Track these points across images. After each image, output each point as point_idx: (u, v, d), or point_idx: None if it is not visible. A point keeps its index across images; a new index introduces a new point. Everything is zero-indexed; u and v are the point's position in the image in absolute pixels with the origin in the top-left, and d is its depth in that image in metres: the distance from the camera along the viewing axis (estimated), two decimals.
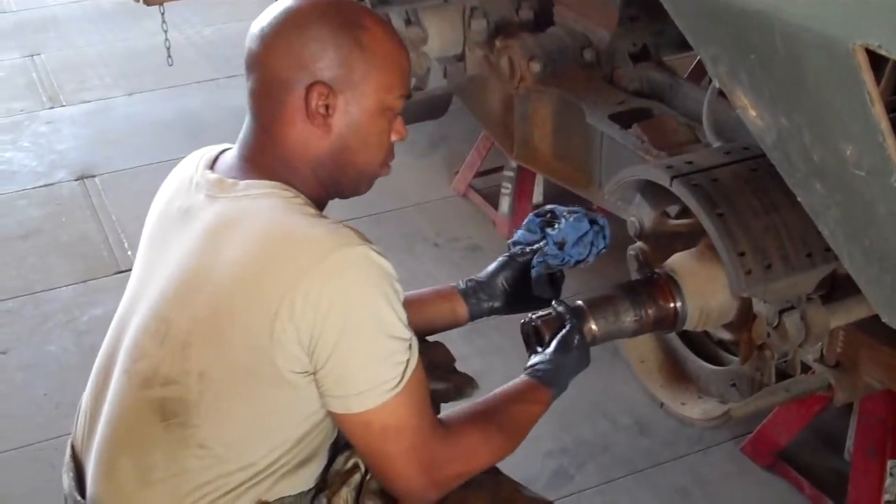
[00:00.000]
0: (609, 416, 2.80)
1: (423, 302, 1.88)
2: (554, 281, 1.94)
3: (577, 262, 1.91)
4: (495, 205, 3.65)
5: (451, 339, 2.77)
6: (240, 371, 1.46)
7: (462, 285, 1.94)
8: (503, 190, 3.59)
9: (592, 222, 1.91)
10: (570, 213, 1.93)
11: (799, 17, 1.06)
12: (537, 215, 1.96)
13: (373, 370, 1.45)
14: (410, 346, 1.48)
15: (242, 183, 1.53)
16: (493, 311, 1.94)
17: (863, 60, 1.01)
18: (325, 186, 1.58)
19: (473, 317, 1.94)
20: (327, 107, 1.52)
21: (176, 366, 1.48)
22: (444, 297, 1.93)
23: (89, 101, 4.74)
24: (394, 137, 1.61)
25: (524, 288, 1.93)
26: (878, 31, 1.01)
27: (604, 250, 1.93)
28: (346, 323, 1.42)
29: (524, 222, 1.98)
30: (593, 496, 2.56)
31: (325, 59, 1.51)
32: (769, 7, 1.10)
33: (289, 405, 1.49)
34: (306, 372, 1.45)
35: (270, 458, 1.51)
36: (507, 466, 1.69)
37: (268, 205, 1.50)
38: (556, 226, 1.92)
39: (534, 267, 1.92)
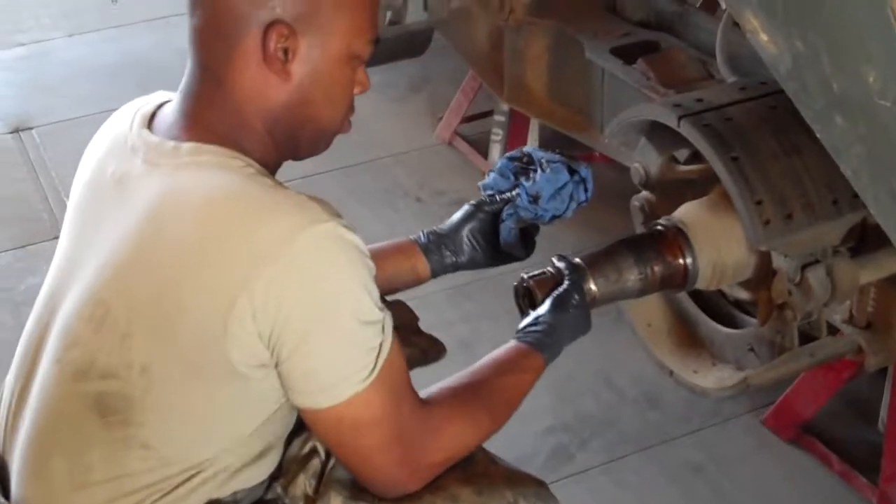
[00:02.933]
0: (615, 388, 2.82)
1: (380, 258, 1.82)
2: (526, 236, 1.93)
3: (554, 217, 1.90)
4: (484, 153, 3.65)
5: (434, 302, 2.78)
6: (188, 366, 1.44)
7: (422, 238, 1.94)
8: (493, 137, 3.59)
9: (573, 172, 1.89)
10: (547, 161, 1.90)
11: None
12: (511, 159, 1.95)
13: (344, 361, 1.44)
14: (384, 326, 1.47)
15: (185, 146, 1.49)
16: (458, 267, 1.95)
17: None
18: (279, 146, 1.54)
19: (436, 274, 1.94)
20: (287, 51, 1.48)
21: (115, 357, 1.46)
22: (404, 252, 1.93)
23: (24, 44, 4.71)
24: (356, 90, 1.58)
25: (493, 242, 1.92)
26: None
27: (584, 204, 1.91)
28: (314, 313, 1.41)
29: (496, 165, 1.96)
30: (598, 476, 2.58)
31: None
32: None
33: (243, 400, 1.48)
34: (264, 366, 1.44)
35: (222, 454, 1.51)
36: (500, 445, 1.68)
37: (216, 175, 1.47)
38: (532, 174, 1.90)
39: (504, 220, 1.90)
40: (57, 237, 1.66)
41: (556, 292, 1.77)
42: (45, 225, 3.48)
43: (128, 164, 1.54)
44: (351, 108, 1.59)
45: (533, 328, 1.72)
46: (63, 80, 4.41)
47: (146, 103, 1.61)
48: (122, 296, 1.47)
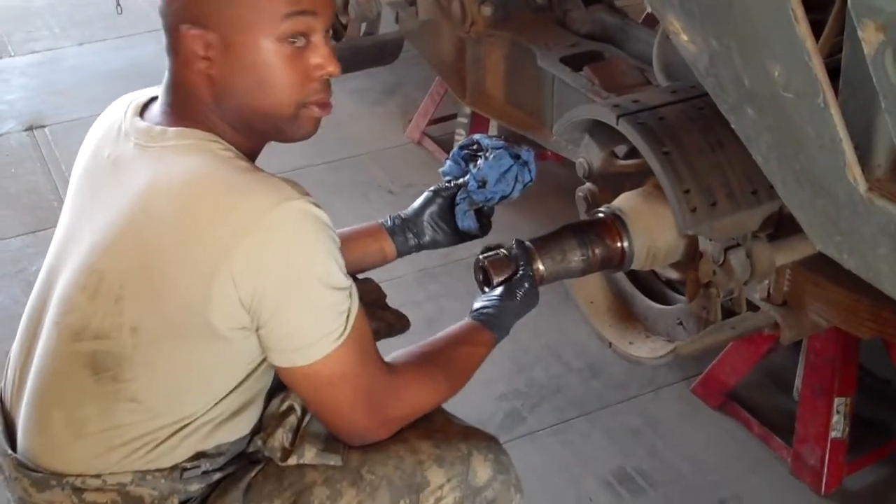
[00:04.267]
0: (562, 359, 2.82)
1: (351, 240, 1.85)
2: (481, 216, 1.92)
3: (503, 198, 1.88)
4: (449, 151, 3.63)
5: (404, 283, 2.78)
6: (172, 327, 1.43)
7: (388, 222, 1.93)
8: (456, 136, 3.59)
9: (516, 157, 1.87)
10: (492, 148, 1.89)
11: None
12: (462, 147, 1.94)
13: (317, 323, 1.44)
14: (351, 293, 1.47)
15: (171, 131, 1.49)
16: (420, 247, 1.95)
17: None
18: (242, 133, 1.51)
19: (401, 254, 1.94)
20: (208, 47, 1.44)
21: (108, 319, 1.46)
22: (372, 235, 1.92)
23: (38, 52, 4.68)
24: (317, 71, 1.47)
25: (451, 223, 1.92)
26: None
27: (530, 184, 1.90)
28: (288, 279, 1.40)
29: (451, 153, 1.96)
30: (547, 437, 2.58)
31: None
32: None
33: (224, 359, 1.48)
34: (245, 328, 1.43)
35: (205, 409, 1.50)
36: (462, 408, 1.70)
37: (198, 159, 1.46)
38: (479, 161, 1.89)
39: (458, 203, 1.90)
40: None
41: (508, 280, 1.77)
42: (55, 213, 3.35)
43: (122, 148, 1.53)
44: (313, 88, 1.48)
45: (485, 310, 1.73)
46: (73, 84, 4.38)
47: (139, 96, 1.60)
48: (114, 264, 1.47)
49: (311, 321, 1.44)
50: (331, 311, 1.45)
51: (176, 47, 1.47)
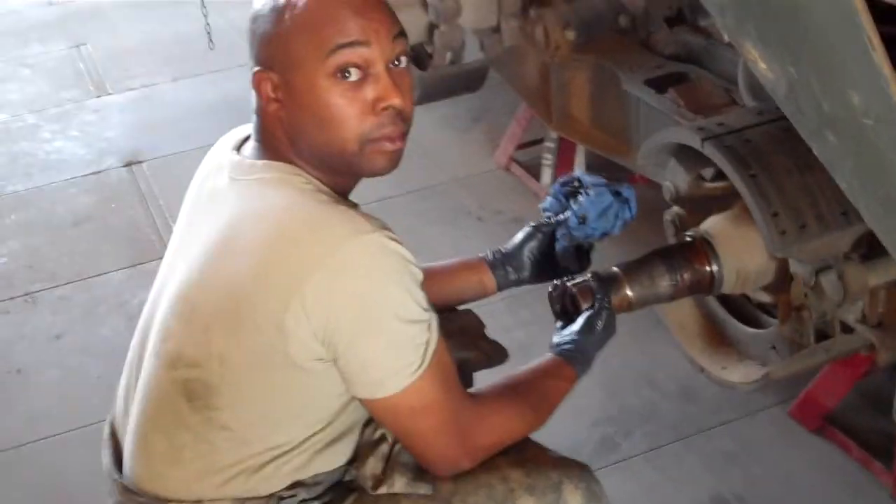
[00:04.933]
0: (655, 384, 2.80)
1: (452, 273, 1.89)
2: (580, 252, 1.93)
3: (603, 235, 1.89)
4: (537, 176, 3.65)
5: (495, 311, 2.80)
6: (255, 357, 1.45)
7: (489, 256, 1.94)
8: (544, 161, 3.58)
9: (617, 193, 1.88)
10: (593, 185, 1.89)
11: None
12: (563, 184, 1.95)
13: (393, 356, 1.44)
14: (430, 325, 1.47)
15: (259, 164, 1.53)
16: (520, 282, 1.95)
17: (860, 3, 1.00)
18: (322, 170, 1.52)
19: (501, 287, 1.95)
20: (275, 88, 1.47)
21: (199, 348, 1.49)
22: (472, 268, 1.94)
23: (135, 89, 4.80)
24: (378, 104, 1.44)
25: (550, 259, 1.93)
26: None
27: (630, 220, 1.90)
28: (360, 313, 1.41)
29: (551, 190, 1.98)
30: (641, 463, 2.57)
31: (257, 41, 1.49)
32: None
33: (310, 390, 1.49)
34: (322, 360, 1.44)
35: (298, 438, 1.52)
36: (554, 436, 1.70)
37: (280, 192, 1.49)
38: (579, 197, 1.90)
39: (558, 239, 1.91)
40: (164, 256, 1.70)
41: (586, 314, 1.78)
42: (154, 246, 3.53)
43: (218, 181, 1.58)
44: (378, 123, 1.46)
45: (566, 345, 1.72)
46: (169, 120, 4.49)
47: (241, 131, 1.64)
48: (204, 294, 1.50)
49: (387, 354, 1.44)
50: (407, 345, 1.44)
51: (255, 89, 1.51)
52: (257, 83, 1.49)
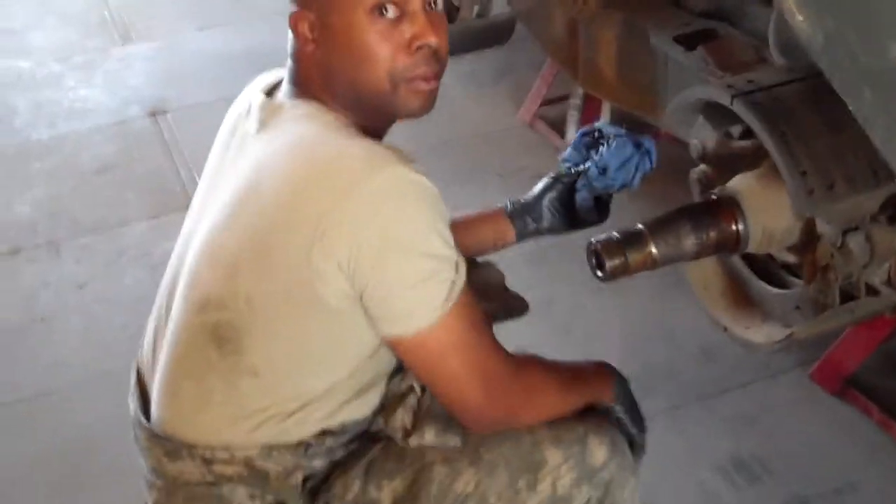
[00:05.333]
0: (676, 343, 2.80)
1: (471, 224, 1.88)
2: (600, 203, 1.93)
3: (623, 186, 1.89)
4: (562, 133, 3.63)
5: (515, 265, 2.79)
6: (283, 297, 1.45)
7: (509, 206, 1.94)
8: (569, 117, 3.57)
9: (638, 145, 1.87)
10: (615, 135, 1.89)
11: None
12: (584, 134, 1.95)
13: (418, 289, 1.43)
14: (457, 266, 1.46)
15: (288, 102, 1.54)
16: (539, 233, 1.95)
17: None
18: (356, 112, 1.52)
19: (520, 238, 1.95)
20: (312, 28, 1.49)
21: (227, 289, 1.50)
22: (492, 218, 1.94)
23: (160, 38, 4.80)
24: (414, 42, 1.46)
25: (570, 209, 1.92)
26: None
27: (650, 172, 1.90)
28: (385, 243, 1.40)
29: (572, 141, 1.97)
30: (660, 422, 2.55)
31: None
32: None
33: (336, 332, 1.49)
34: (349, 297, 1.44)
35: (325, 385, 1.53)
36: None
37: (307, 126, 1.49)
38: (600, 148, 1.89)
39: (578, 190, 1.91)
40: (188, 206, 1.71)
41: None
42: (178, 197, 3.54)
43: (247, 125, 1.58)
44: (409, 60, 1.47)
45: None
46: (193, 69, 4.48)
47: (270, 76, 1.65)
48: (231, 235, 1.51)
49: (410, 287, 1.43)
50: (432, 279, 1.43)
51: (292, 30, 1.52)
52: (295, 23, 1.50)
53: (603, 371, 1.71)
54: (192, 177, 3.64)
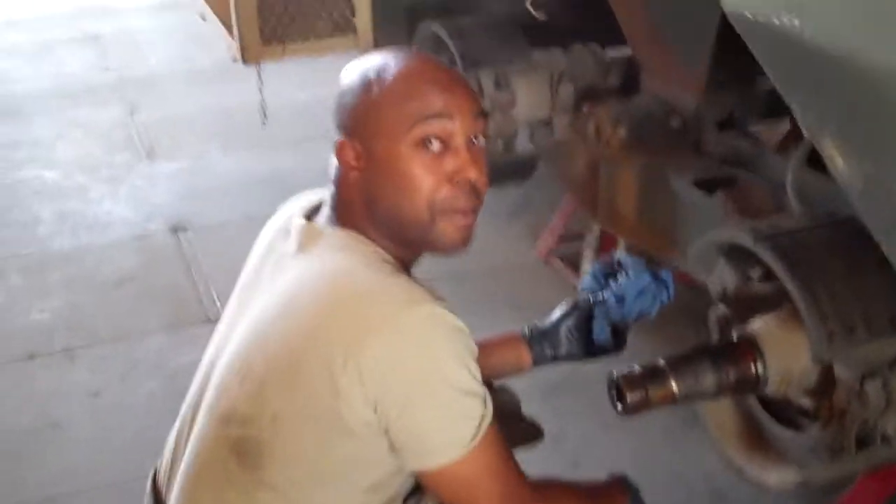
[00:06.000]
0: (686, 484, 2.78)
1: (489, 348, 1.88)
2: (617, 332, 1.95)
3: (640, 316, 1.92)
4: (576, 270, 3.68)
5: (525, 399, 2.79)
6: (307, 417, 1.47)
7: (526, 332, 1.97)
8: (584, 255, 3.62)
9: (655, 276, 1.91)
10: (633, 266, 1.93)
11: (888, 60, 1.07)
12: (603, 264, 1.99)
13: (447, 425, 1.45)
14: (485, 402, 1.48)
15: (328, 230, 1.57)
16: (556, 359, 1.97)
17: None
18: (395, 242, 1.55)
19: (536, 363, 1.97)
20: (357, 157, 1.52)
21: (253, 406, 1.51)
22: (510, 344, 1.97)
23: (184, 157, 4.91)
24: (455, 176, 1.48)
25: (587, 337, 1.95)
26: None
27: (668, 303, 1.93)
28: (415, 382, 1.42)
29: (591, 270, 2.01)
30: None
31: (344, 112, 1.54)
32: (858, 51, 1.11)
33: (357, 455, 1.50)
34: (371, 426, 1.45)
35: (342, 503, 1.53)
36: None
37: (344, 257, 1.52)
38: (619, 277, 1.93)
39: (595, 318, 1.93)
40: (205, 322, 1.73)
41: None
42: (195, 312, 3.57)
43: (284, 246, 1.61)
44: (449, 194, 1.50)
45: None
46: (216, 190, 4.57)
47: (309, 196, 1.68)
48: (262, 351, 1.52)
49: (441, 424, 1.45)
50: (462, 415, 1.45)
51: (337, 157, 1.56)
52: (340, 151, 1.54)
53: (618, 485, 1.73)
54: (209, 292, 3.67)
